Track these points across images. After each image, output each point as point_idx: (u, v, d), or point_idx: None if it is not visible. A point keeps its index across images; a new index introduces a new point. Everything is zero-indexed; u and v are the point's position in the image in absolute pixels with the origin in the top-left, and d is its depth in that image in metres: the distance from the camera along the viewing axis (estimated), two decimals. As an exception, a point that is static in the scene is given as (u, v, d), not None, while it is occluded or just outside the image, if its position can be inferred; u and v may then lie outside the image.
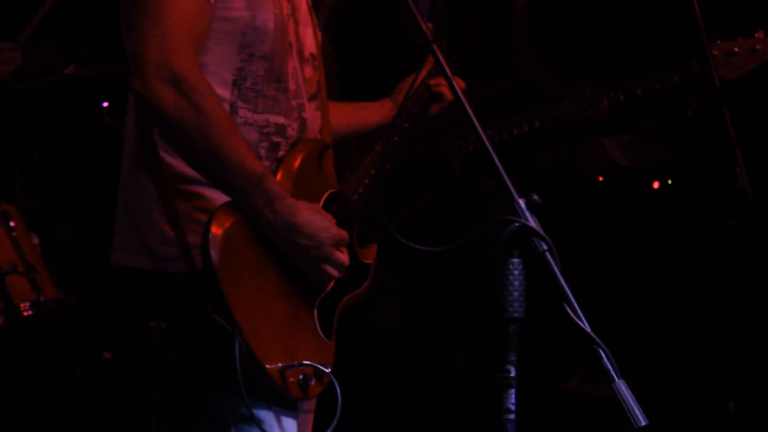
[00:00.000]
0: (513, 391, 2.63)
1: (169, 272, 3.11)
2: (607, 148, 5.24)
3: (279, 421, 3.19)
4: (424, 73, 3.71)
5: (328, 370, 3.12)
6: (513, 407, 2.63)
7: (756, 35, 4.28)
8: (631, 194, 5.35)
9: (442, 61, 2.92)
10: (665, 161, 5.26)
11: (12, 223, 4.43)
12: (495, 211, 4.19)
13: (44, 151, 5.26)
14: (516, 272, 2.63)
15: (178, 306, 3.22)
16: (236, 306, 3.00)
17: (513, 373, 2.63)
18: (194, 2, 3.00)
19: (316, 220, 3.11)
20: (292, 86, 3.25)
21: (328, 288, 3.28)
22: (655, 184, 5.26)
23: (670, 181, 5.21)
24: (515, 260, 2.61)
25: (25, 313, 4.33)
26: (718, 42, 4.25)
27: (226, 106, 3.12)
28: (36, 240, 4.60)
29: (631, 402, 2.47)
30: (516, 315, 2.62)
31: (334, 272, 3.18)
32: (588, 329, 2.53)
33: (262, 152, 3.20)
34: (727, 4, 4.64)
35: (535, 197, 2.63)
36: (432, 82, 3.69)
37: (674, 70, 4.30)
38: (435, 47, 2.93)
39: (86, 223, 4.94)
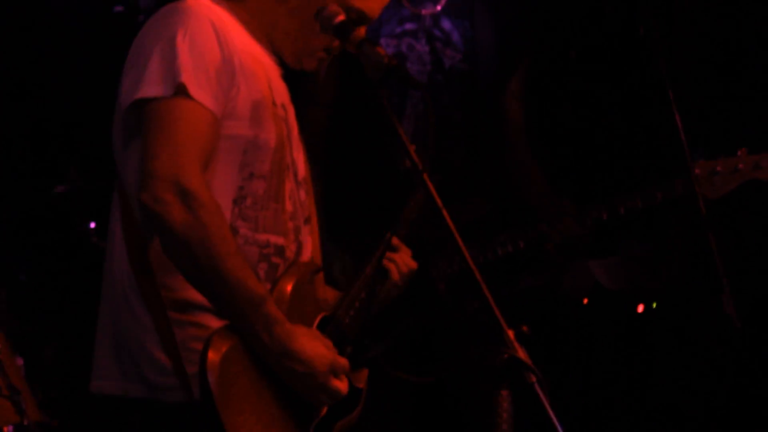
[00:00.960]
0: None
1: (164, 402, 3.07)
2: (592, 269, 5.24)
3: None
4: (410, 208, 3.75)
5: None
6: None
7: (738, 153, 4.26)
8: (615, 316, 5.33)
9: (430, 186, 2.94)
10: (651, 285, 5.24)
11: (-3, 346, 4.43)
12: (481, 335, 4.21)
13: (31, 271, 5.25)
14: (505, 404, 2.76)
15: None
16: (229, 421, 2.98)
17: None
18: (205, 120, 3.03)
19: (313, 347, 3.10)
20: (289, 208, 3.27)
21: (322, 413, 3.26)
22: (640, 307, 5.25)
23: (655, 304, 5.21)
24: (504, 393, 2.82)
25: (9, 438, 4.28)
26: (701, 161, 4.22)
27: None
28: (20, 362, 4.58)
29: None
30: None
31: (330, 401, 3.19)
32: None
33: (261, 273, 3.18)
34: (709, 123, 4.67)
35: (524, 329, 2.70)
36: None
37: (657, 189, 4.27)
38: (424, 175, 2.98)
39: (72, 345, 4.92)
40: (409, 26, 4.63)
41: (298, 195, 3.34)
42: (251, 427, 3.07)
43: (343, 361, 3.19)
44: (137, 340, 3.11)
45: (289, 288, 3.24)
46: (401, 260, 3.59)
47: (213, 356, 2.99)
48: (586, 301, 5.34)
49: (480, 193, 4.65)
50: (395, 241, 3.60)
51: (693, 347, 5.01)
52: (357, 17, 3.32)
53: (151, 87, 3.02)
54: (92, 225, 4.67)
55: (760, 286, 4.81)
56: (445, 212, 2.92)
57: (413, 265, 3.63)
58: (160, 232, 2.99)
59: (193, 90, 3.00)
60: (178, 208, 2.93)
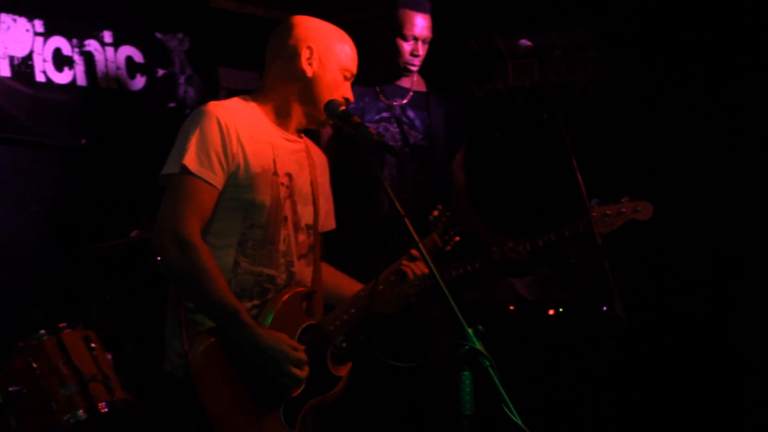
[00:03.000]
0: None
1: (178, 376, 3.18)
2: (516, 285, 5.21)
3: None
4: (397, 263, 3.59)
5: None
6: None
7: (622, 200, 4.24)
8: (534, 319, 5.28)
9: (409, 226, 2.95)
10: (558, 296, 5.20)
11: (93, 345, 4.44)
12: (443, 334, 4.17)
13: (113, 292, 5.24)
14: (467, 381, 2.65)
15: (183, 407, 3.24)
16: (209, 405, 3.07)
17: None
18: (202, 188, 3.15)
19: (275, 345, 3.14)
20: (282, 248, 3.29)
21: (295, 393, 3.24)
22: (551, 312, 5.21)
23: (561, 309, 5.17)
24: (466, 373, 2.65)
25: (102, 410, 4.29)
26: (596, 206, 4.19)
27: (231, 259, 3.22)
28: (109, 356, 4.58)
29: None
30: (467, 413, 2.66)
31: (291, 383, 3.20)
32: (518, 421, 2.59)
33: (255, 293, 3.25)
34: (602, 178, 4.56)
35: (480, 327, 2.70)
36: (404, 262, 3.55)
37: (565, 228, 4.22)
38: (407, 221, 2.95)
39: (144, 343, 4.90)
40: (384, 114, 4.56)
41: (296, 238, 3.34)
42: (226, 402, 3.12)
43: (301, 356, 3.18)
44: (172, 331, 3.26)
45: (278, 305, 3.28)
46: (416, 266, 3.50)
47: (195, 347, 3.11)
48: (512, 307, 5.28)
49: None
50: (415, 253, 3.52)
51: (591, 340, 4.94)
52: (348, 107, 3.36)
53: (168, 166, 3.18)
54: (158, 259, 4.63)
55: (641, 294, 4.80)
56: (421, 245, 2.96)
57: (426, 270, 3.49)
58: (165, 267, 3.20)
59: (194, 168, 3.12)
60: (174, 252, 3.10)
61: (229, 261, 3.22)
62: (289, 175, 3.34)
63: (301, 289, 3.36)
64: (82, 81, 5.75)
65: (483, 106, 5.79)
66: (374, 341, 4.12)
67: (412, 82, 4.60)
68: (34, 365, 4.21)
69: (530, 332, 5.25)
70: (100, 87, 5.81)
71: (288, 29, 3.39)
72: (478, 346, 2.67)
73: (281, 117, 3.38)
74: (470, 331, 2.71)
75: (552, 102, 4.83)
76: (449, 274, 4.30)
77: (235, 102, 3.35)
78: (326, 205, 3.61)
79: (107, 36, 5.92)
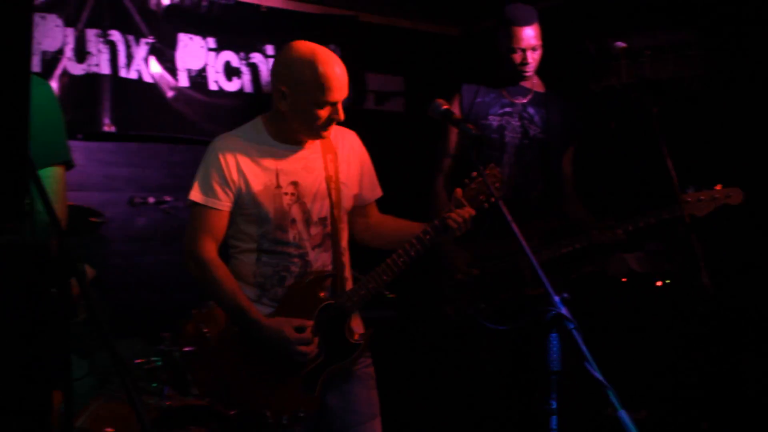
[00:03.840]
0: (554, 417, 2.88)
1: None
2: (627, 260, 5.27)
3: None
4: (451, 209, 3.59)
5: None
6: (555, 430, 2.87)
7: (715, 188, 4.35)
8: (643, 289, 5.30)
9: (504, 209, 3.05)
10: (665, 268, 5.23)
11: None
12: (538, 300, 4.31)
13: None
14: (554, 342, 2.90)
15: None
16: (230, 376, 3.54)
17: (554, 406, 2.87)
18: (212, 215, 3.58)
19: (279, 332, 3.48)
20: (293, 243, 3.60)
21: (314, 364, 3.57)
22: (659, 283, 5.24)
23: (668, 281, 5.21)
24: (554, 335, 2.89)
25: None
26: (690, 192, 4.30)
27: (254, 257, 3.61)
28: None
29: (629, 424, 2.59)
30: (555, 368, 2.90)
31: (301, 359, 3.52)
32: (600, 378, 2.65)
33: (275, 280, 3.62)
34: (697, 167, 4.68)
35: (566, 295, 2.82)
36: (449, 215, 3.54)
37: (664, 210, 4.33)
38: (501, 202, 3.10)
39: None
40: (507, 109, 4.72)
41: (308, 233, 3.60)
42: (246, 374, 3.53)
43: (305, 335, 3.49)
44: None
45: (295, 292, 3.58)
46: (458, 214, 3.53)
47: (223, 330, 3.59)
48: (624, 279, 5.31)
49: (551, 214, 4.70)
50: (459, 195, 3.54)
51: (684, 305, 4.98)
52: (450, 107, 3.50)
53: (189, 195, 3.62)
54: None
55: (727, 269, 4.76)
56: (514, 226, 2.98)
57: (472, 212, 3.55)
58: (191, 275, 3.60)
59: (200, 200, 3.57)
60: (193, 268, 3.59)
61: (252, 259, 3.62)
62: (294, 183, 3.59)
63: (321, 273, 3.61)
64: (248, 88, 6.19)
65: (599, 101, 5.90)
66: (478, 308, 4.46)
67: (533, 84, 4.76)
68: (204, 330, 4.56)
69: (639, 300, 5.32)
70: (264, 93, 6.19)
71: (276, 62, 3.58)
72: (564, 311, 2.77)
73: (281, 136, 3.61)
74: (557, 297, 2.80)
75: (661, 96, 5.06)
76: (560, 250, 4.49)
77: (245, 129, 3.66)
78: (354, 188, 3.74)
79: (269, 49, 6.32)
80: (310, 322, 3.55)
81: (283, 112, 3.54)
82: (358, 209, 3.84)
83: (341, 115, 3.53)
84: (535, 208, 4.69)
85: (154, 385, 4.33)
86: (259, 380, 3.54)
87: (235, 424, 3.59)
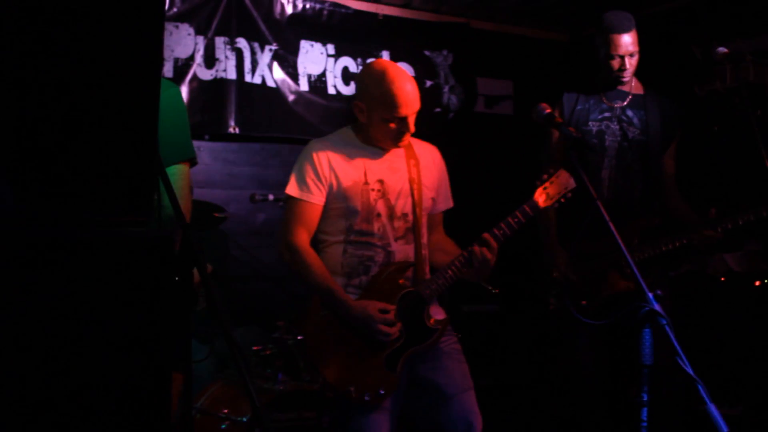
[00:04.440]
0: (645, 409, 2.82)
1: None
2: (726, 260, 5.23)
3: (368, 416, 3.66)
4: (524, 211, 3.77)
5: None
6: (645, 422, 2.82)
7: None
8: (741, 289, 5.23)
9: (601, 208, 3.05)
10: (764, 268, 5.15)
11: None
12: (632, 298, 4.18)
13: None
14: (647, 336, 2.82)
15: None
16: (319, 361, 3.64)
17: (645, 398, 2.82)
18: (306, 206, 3.78)
19: (365, 311, 3.63)
20: (378, 235, 3.78)
21: (396, 345, 3.71)
22: (757, 283, 5.16)
23: (766, 281, 5.11)
24: (647, 330, 2.81)
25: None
26: None
27: (341, 249, 3.79)
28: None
29: (718, 418, 2.59)
30: (647, 362, 2.83)
31: (383, 338, 3.66)
32: (692, 372, 2.64)
33: (360, 270, 3.77)
34: None
35: (659, 292, 2.84)
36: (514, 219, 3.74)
37: (763, 208, 4.26)
38: (599, 203, 3.08)
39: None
40: (606, 114, 4.70)
41: (391, 226, 3.79)
42: (335, 357, 3.64)
43: (389, 317, 3.65)
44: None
45: (379, 280, 3.74)
46: (480, 254, 3.71)
47: (308, 322, 3.69)
48: (723, 279, 5.27)
49: (653, 213, 4.63)
50: (487, 237, 3.71)
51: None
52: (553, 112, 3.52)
53: (283, 196, 3.86)
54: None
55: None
56: (612, 226, 3.02)
57: (489, 256, 3.72)
58: (284, 263, 3.79)
59: (295, 194, 3.77)
60: (287, 255, 3.77)
61: (339, 250, 3.79)
62: (380, 181, 3.81)
63: (402, 264, 3.78)
64: None
65: (703, 104, 5.85)
66: (579, 305, 4.48)
67: (631, 87, 4.71)
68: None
69: (736, 299, 5.27)
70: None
71: (356, 80, 3.88)
72: (657, 307, 2.77)
73: (368, 139, 3.85)
74: (651, 294, 2.81)
75: (764, 100, 4.97)
76: (660, 248, 4.46)
77: (334, 135, 3.91)
78: (431, 193, 3.94)
79: (385, 54, 6.46)
80: (393, 306, 3.71)
81: (363, 124, 3.83)
82: (429, 217, 4.01)
83: (411, 128, 3.77)
84: (637, 208, 4.66)
85: (269, 370, 4.47)
86: (347, 359, 3.67)
87: (337, 405, 3.76)
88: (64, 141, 2.11)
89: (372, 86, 3.74)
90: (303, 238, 3.76)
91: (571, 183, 3.82)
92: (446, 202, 4.11)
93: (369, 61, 3.89)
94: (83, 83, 2.11)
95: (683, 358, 2.66)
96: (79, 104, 2.11)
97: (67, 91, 2.10)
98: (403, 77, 3.73)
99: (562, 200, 3.84)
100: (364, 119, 3.80)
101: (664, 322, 2.75)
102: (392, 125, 3.74)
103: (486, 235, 3.75)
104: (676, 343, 2.69)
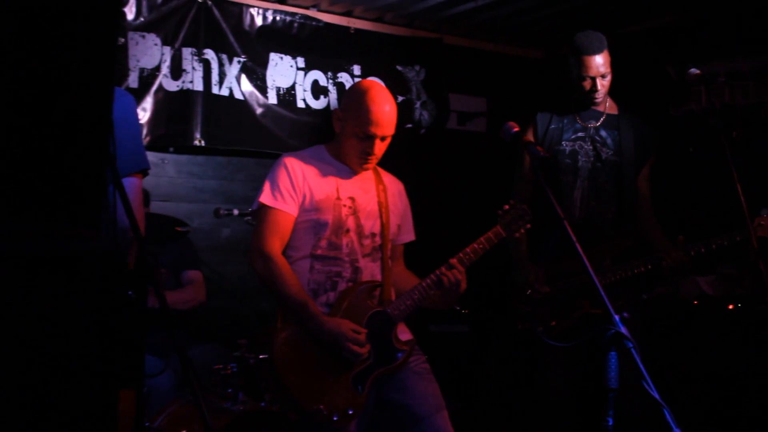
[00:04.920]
0: None
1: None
2: (699, 283, 5.24)
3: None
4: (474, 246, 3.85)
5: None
6: None
7: None
8: (714, 312, 5.22)
9: (569, 229, 3.07)
10: (737, 292, 5.16)
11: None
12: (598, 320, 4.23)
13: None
14: (613, 360, 2.83)
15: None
16: (286, 378, 3.59)
17: (611, 423, 2.83)
18: (283, 218, 3.79)
19: (337, 328, 3.63)
20: (345, 251, 3.81)
21: (364, 365, 3.70)
22: (730, 306, 5.16)
23: (740, 305, 5.12)
24: (612, 353, 2.82)
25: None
26: (765, 215, 4.25)
27: (308, 264, 3.79)
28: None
29: None
30: (612, 386, 2.84)
31: (353, 357, 3.66)
32: (657, 396, 2.65)
33: (327, 286, 3.79)
34: None
35: (626, 314, 2.83)
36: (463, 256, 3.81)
37: (737, 233, 4.26)
38: (566, 223, 3.10)
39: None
40: (580, 134, 4.71)
41: (359, 243, 3.83)
42: (302, 375, 3.61)
43: (360, 336, 3.65)
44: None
45: (347, 299, 3.75)
46: (451, 274, 3.78)
47: (276, 336, 3.64)
48: (696, 302, 5.28)
49: (625, 234, 4.62)
50: (454, 262, 3.80)
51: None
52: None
53: (253, 204, 3.89)
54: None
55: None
56: (579, 246, 3.03)
57: (460, 278, 3.80)
58: (255, 274, 3.77)
59: (269, 202, 3.78)
60: (260, 264, 3.74)
61: (305, 266, 3.80)
62: (351, 198, 3.86)
63: (371, 283, 3.81)
64: (335, 106, 6.25)
65: (678, 125, 5.87)
66: (548, 326, 4.46)
67: (605, 107, 4.72)
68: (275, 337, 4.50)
69: (709, 323, 5.28)
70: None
71: (345, 91, 3.96)
72: (623, 330, 2.77)
73: (342, 156, 3.92)
74: (617, 317, 2.81)
75: (738, 122, 4.98)
76: (632, 271, 4.45)
77: (309, 150, 3.96)
78: (397, 220, 4.01)
79: (356, 69, 6.43)
80: (363, 327, 3.73)
81: (337, 134, 3.91)
82: (392, 248, 4.02)
83: (377, 151, 3.85)
84: (610, 229, 4.66)
85: (230, 390, 4.40)
86: (314, 377, 3.64)
87: (300, 427, 3.71)
88: (12, 152, 2.06)
89: (354, 97, 3.85)
90: (277, 247, 3.76)
91: (527, 216, 3.99)
92: (409, 235, 4.16)
93: (355, 80, 3.94)
94: (33, 91, 2.07)
95: (649, 382, 2.66)
96: (28, 113, 2.07)
97: (17, 100, 2.06)
98: (385, 98, 3.83)
99: (522, 231, 3.99)
100: (338, 129, 3.89)
101: (630, 345, 2.75)
102: (360, 142, 3.81)
103: (453, 260, 3.82)
104: (642, 367, 2.69)
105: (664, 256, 4.43)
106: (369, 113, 3.77)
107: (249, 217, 4.62)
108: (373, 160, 3.90)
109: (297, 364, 3.64)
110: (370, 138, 3.80)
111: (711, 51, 5.76)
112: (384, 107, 3.80)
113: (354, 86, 4.00)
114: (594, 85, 4.61)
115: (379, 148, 3.85)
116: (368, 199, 3.91)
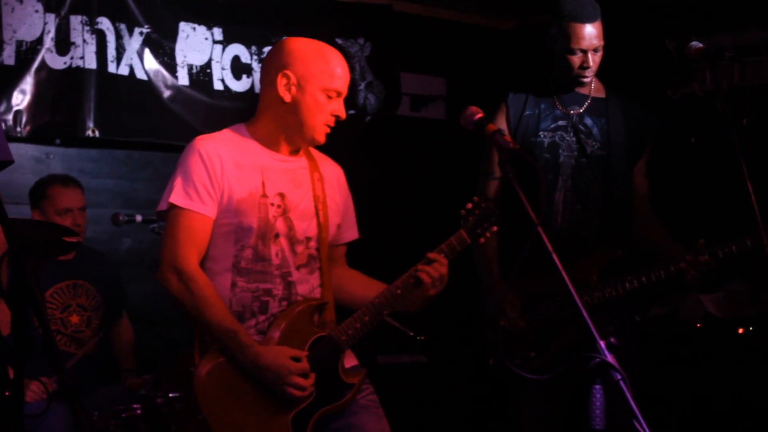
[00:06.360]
0: None
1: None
2: (704, 302, 5.24)
3: None
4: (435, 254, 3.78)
5: None
6: None
7: None
8: (722, 337, 5.26)
9: (542, 234, 3.13)
10: (749, 313, 5.18)
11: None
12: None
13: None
14: (598, 395, 2.84)
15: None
16: (214, 420, 3.56)
17: None
18: (197, 221, 3.68)
19: (275, 360, 3.58)
20: (276, 262, 3.74)
21: (305, 403, 3.66)
22: (740, 330, 5.19)
23: (751, 328, 5.16)
24: (597, 386, 2.83)
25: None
26: None
27: (228, 281, 3.72)
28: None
29: None
30: (597, 427, 2.84)
31: (296, 392, 3.60)
32: None
33: (255, 308, 3.73)
34: None
35: (612, 340, 2.85)
36: (420, 267, 3.73)
37: (748, 238, 4.25)
38: (539, 229, 3.16)
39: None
40: (561, 123, 4.67)
41: (292, 251, 3.77)
42: (233, 415, 3.59)
43: (303, 366, 3.61)
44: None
45: (286, 322, 3.69)
46: (432, 269, 3.72)
47: (200, 370, 3.60)
48: (699, 325, 5.29)
49: (616, 243, 4.57)
50: (432, 256, 3.73)
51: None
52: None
53: (161, 204, 3.75)
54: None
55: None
56: (554, 254, 3.08)
57: (444, 271, 3.74)
58: (168, 295, 3.67)
59: (182, 203, 3.66)
60: (175, 282, 3.64)
61: (226, 283, 3.72)
62: (281, 195, 3.77)
63: (313, 302, 3.76)
64: (259, 88, 6.28)
65: (678, 110, 5.91)
66: (527, 358, 4.50)
67: (591, 89, 4.71)
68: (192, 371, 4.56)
69: (716, 350, 5.31)
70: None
71: (272, 55, 3.84)
72: (610, 359, 2.81)
73: (271, 140, 3.81)
74: (603, 343, 2.85)
75: (751, 106, 5.01)
76: (624, 287, 4.43)
77: (224, 133, 3.84)
78: (336, 218, 3.96)
79: (286, 42, 6.47)
80: (305, 353, 3.67)
81: (287, 105, 3.74)
82: (331, 249, 3.99)
83: (343, 113, 3.79)
84: (597, 239, 4.67)
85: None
86: (244, 419, 3.61)
87: None
88: None
89: (307, 52, 3.76)
90: (194, 260, 3.66)
91: (494, 216, 3.86)
92: (351, 232, 4.11)
93: (285, 38, 3.87)
94: None
95: (641, 420, 2.69)
96: None
97: None
98: (337, 51, 3.84)
99: (488, 234, 3.87)
100: (289, 96, 3.74)
101: (619, 377, 2.78)
102: (328, 103, 3.74)
103: (432, 254, 3.76)
104: (632, 403, 2.72)
105: (683, 264, 4.40)
106: (335, 66, 3.75)
107: (155, 225, 4.59)
108: (329, 129, 3.83)
109: (226, 404, 3.60)
110: (339, 96, 3.77)
111: (717, 20, 5.78)
112: (342, 60, 3.81)
113: (293, 44, 3.81)
114: (585, 60, 4.59)
115: (343, 108, 3.80)
116: (301, 194, 3.82)
